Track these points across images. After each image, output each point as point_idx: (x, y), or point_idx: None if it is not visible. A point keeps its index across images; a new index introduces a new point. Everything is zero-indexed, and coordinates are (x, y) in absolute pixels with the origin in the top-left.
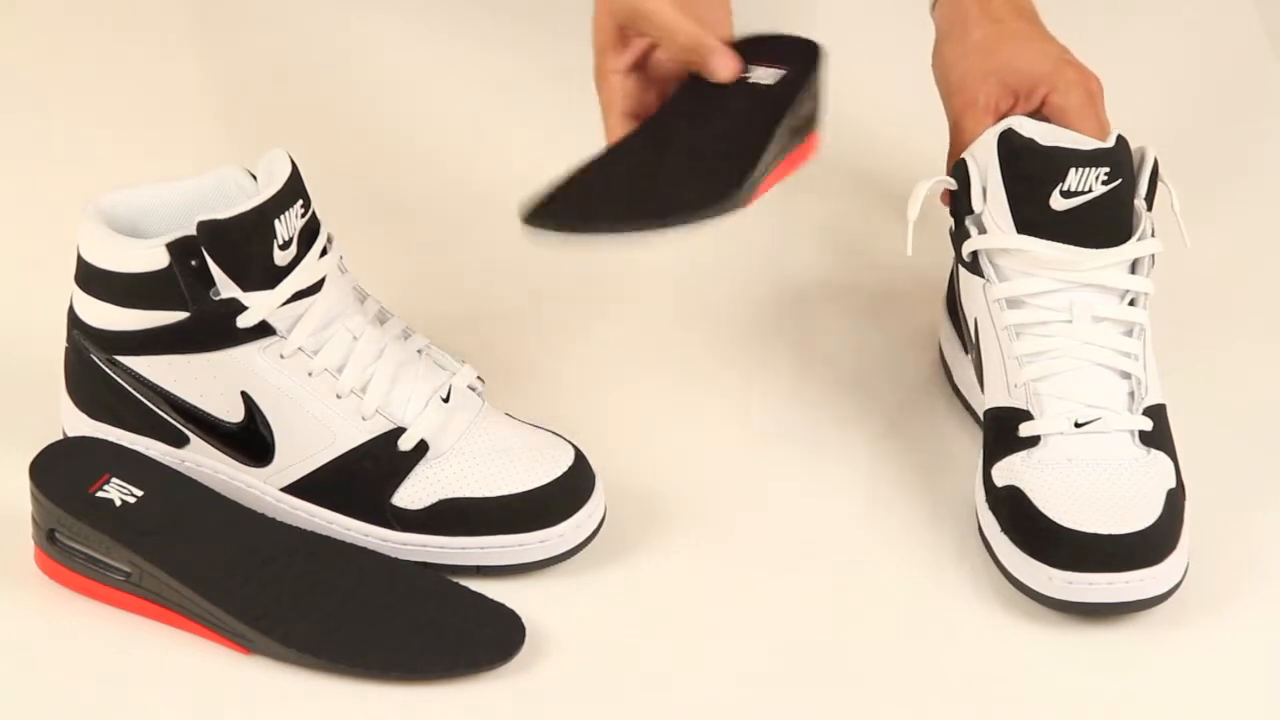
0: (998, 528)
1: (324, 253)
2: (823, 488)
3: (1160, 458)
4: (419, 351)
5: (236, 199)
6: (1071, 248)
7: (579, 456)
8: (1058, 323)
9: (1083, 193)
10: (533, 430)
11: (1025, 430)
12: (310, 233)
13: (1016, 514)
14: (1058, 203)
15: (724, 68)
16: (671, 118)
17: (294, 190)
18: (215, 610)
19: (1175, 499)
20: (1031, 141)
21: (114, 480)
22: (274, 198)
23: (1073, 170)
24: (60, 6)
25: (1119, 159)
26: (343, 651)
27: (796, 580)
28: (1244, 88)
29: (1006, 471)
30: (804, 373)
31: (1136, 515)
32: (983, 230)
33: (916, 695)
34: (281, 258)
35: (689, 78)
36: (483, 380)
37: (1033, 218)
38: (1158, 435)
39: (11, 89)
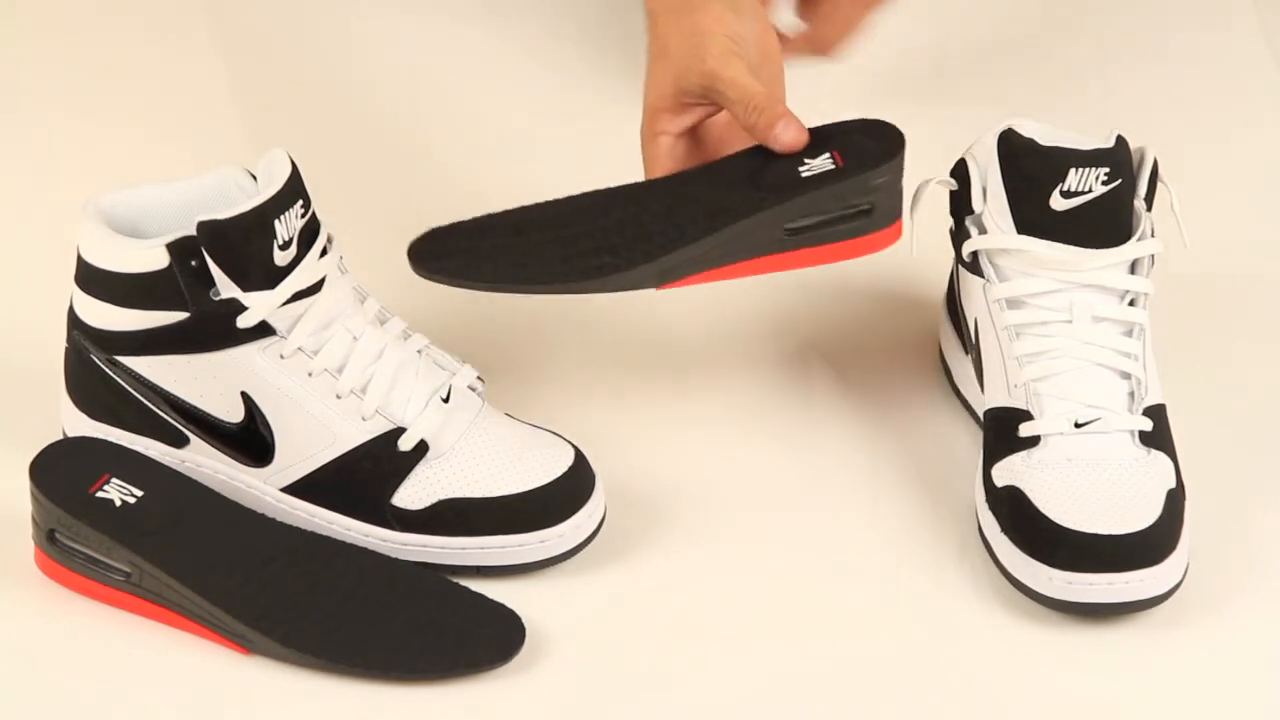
0: (998, 528)
1: (324, 253)
2: (822, 488)
3: (1160, 458)
4: (419, 352)
5: (236, 199)
6: (1071, 248)
7: (579, 457)
8: (1058, 323)
9: (1083, 193)
10: (533, 430)
11: (1025, 430)
12: (310, 233)
13: (1016, 514)
14: (1058, 203)
15: (786, 132)
16: (685, 178)
17: (294, 190)
18: (215, 610)
19: (1175, 499)
20: (1031, 142)
21: (114, 480)
22: (274, 198)
23: (1073, 170)
24: (60, 6)
25: (1119, 159)
26: (343, 651)
27: (796, 580)
28: (1242, 88)
29: (1006, 472)
30: (804, 372)
31: (1136, 515)
32: (983, 230)
33: (917, 695)
34: (281, 258)
35: (750, 149)
36: (483, 380)
37: (1033, 218)
38: (1158, 435)
39: (11, 89)
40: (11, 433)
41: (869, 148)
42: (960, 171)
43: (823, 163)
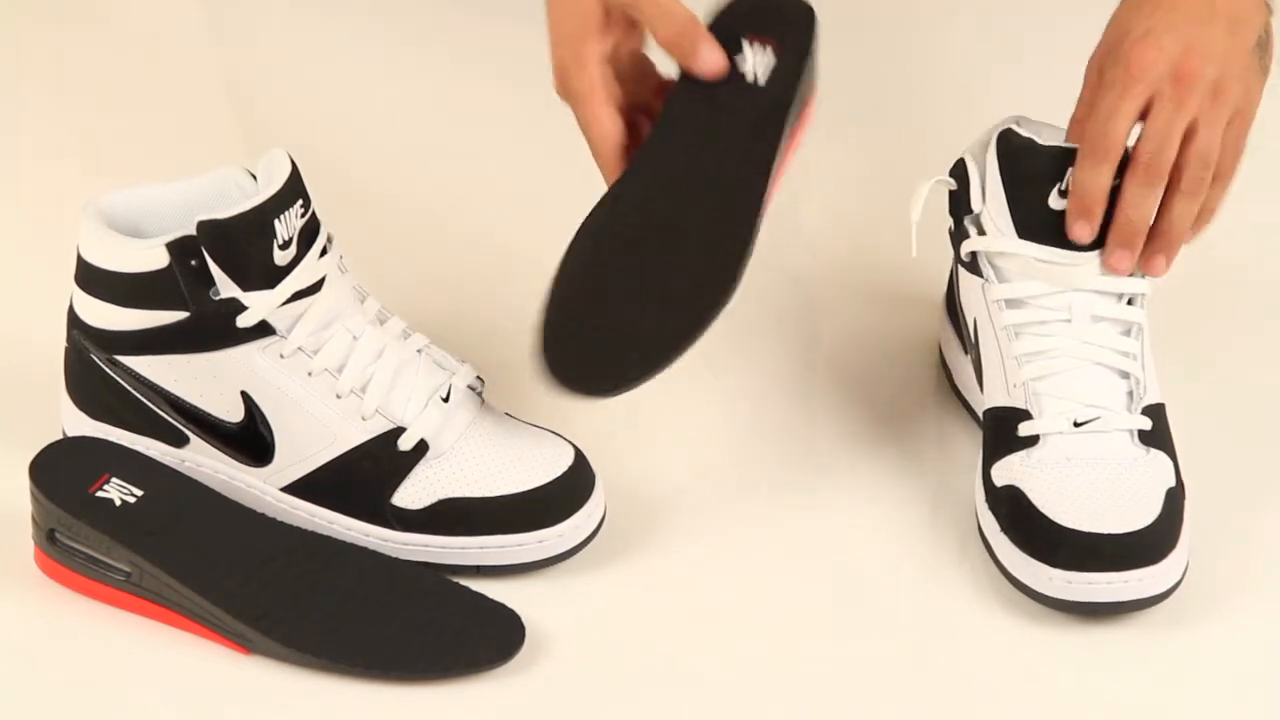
0: (997, 527)
1: (324, 252)
2: (822, 488)
3: (1159, 457)
4: (419, 351)
5: (236, 199)
6: (1068, 252)
7: (579, 456)
8: (1056, 322)
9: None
10: (533, 430)
11: (1025, 430)
12: (310, 232)
13: (1015, 514)
14: (1056, 202)
15: (710, 62)
16: (668, 147)
17: (294, 190)
18: (215, 610)
19: (1175, 498)
20: (1030, 141)
21: (114, 480)
22: (274, 198)
23: (1071, 169)
24: (61, 6)
25: None
26: (342, 651)
27: (796, 580)
28: None
29: (1006, 471)
30: (805, 372)
31: (1136, 514)
32: (981, 231)
33: (916, 695)
34: (281, 257)
35: (678, 81)
36: (482, 380)
37: (1031, 217)
38: (1157, 434)
39: (12, 89)
40: (11, 432)
41: (782, 22)
42: (959, 171)
43: (761, 59)
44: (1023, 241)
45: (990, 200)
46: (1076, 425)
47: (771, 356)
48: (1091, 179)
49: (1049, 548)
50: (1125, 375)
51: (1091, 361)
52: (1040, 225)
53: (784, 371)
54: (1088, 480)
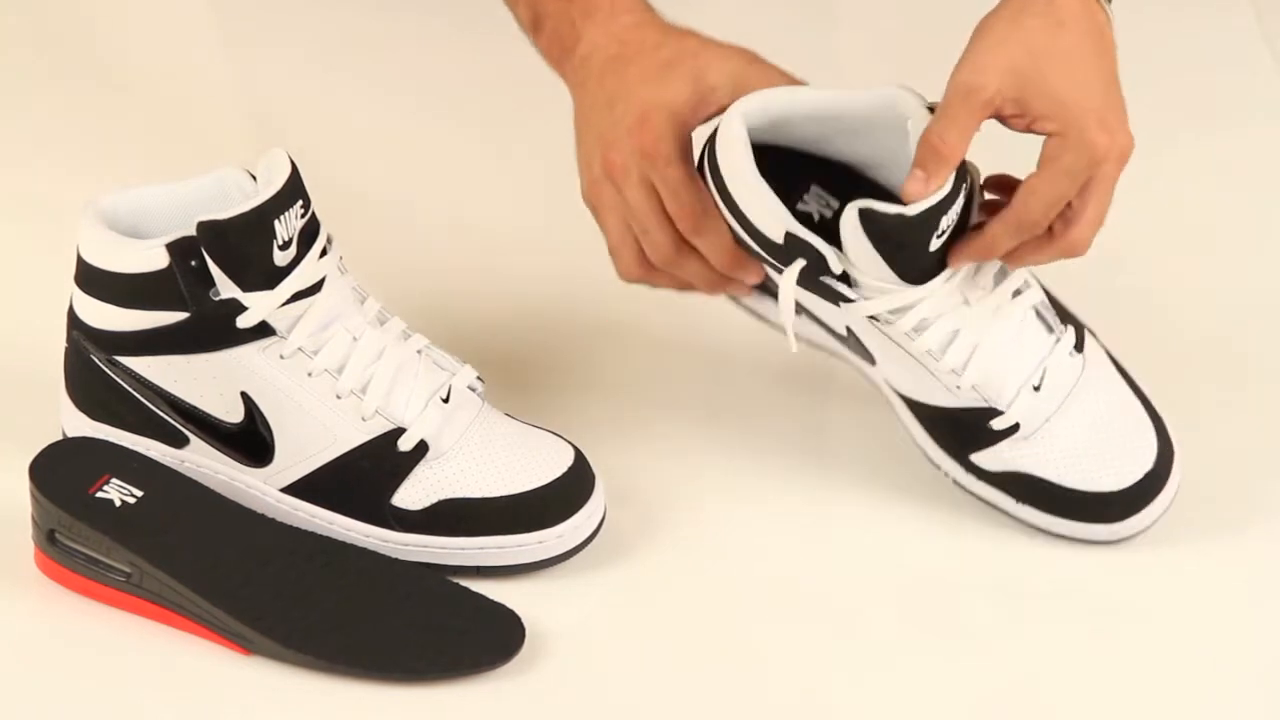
0: (1012, 501)
1: (324, 253)
2: (822, 488)
3: (1090, 361)
4: (419, 352)
5: (236, 199)
6: (947, 273)
7: (579, 457)
8: (958, 314)
9: (945, 231)
10: (533, 430)
11: (1001, 424)
12: (310, 233)
13: (1038, 493)
14: (934, 245)
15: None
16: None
17: (294, 191)
18: (215, 611)
19: (1147, 402)
20: (899, 216)
21: (114, 481)
22: (273, 198)
23: (944, 217)
24: (61, 6)
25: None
26: (342, 652)
27: (796, 580)
28: (1242, 88)
29: (997, 458)
30: (804, 371)
31: (1138, 446)
32: (864, 290)
33: (918, 694)
34: (281, 258)
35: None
36: (482, 380)
37: (915, 265)
38: (1078, 335)
39: (12, 88)
40: (11, 433)
41: None
42: (800, 244)
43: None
44: (914, 287)
45: (868, 268)
46: (1036, 389)
47: (772, 355)
48: (1001, 240)
49: (1098, 514)
50: (1038, 315)
51: (1015, 324)
52: (923, 269)
53: (784, 370)
54: (1082, 438)
